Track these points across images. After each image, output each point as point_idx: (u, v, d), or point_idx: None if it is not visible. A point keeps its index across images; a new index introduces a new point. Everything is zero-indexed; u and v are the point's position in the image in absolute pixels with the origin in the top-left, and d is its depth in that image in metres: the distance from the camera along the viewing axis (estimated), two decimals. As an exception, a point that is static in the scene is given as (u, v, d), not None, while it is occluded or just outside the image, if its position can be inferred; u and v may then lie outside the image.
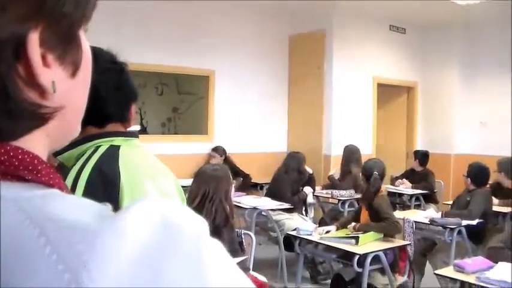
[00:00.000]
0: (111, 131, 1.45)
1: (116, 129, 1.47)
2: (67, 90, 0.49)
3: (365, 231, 4.48)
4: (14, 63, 0.43)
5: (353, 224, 4.67)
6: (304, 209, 6.57)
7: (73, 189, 1.26)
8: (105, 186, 1.32)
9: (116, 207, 1.15)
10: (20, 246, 0.38)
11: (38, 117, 0.46)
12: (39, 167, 0.45)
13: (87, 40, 0.56)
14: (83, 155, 1.39)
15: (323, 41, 8.34)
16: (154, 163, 1.48)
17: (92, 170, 1.32)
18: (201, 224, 0.44)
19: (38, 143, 0.48)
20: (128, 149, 1.42)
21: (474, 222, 5.17)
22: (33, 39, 0.43)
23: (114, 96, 1.47)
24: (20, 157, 0.44)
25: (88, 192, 1.28)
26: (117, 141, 1.43)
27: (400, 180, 7.43)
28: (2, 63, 0.42)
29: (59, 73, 0.47)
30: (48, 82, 0.45)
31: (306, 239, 4.71)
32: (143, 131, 10.56)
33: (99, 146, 1.40)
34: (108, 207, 0.46)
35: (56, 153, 1.36)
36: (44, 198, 0.42)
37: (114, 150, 1.40)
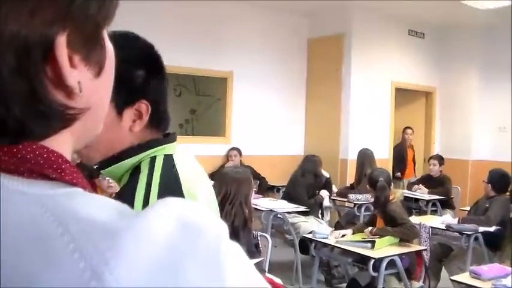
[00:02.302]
0: (159, 138, 1.29)
1: (157, 134, 1.32)
2: (92, 90, 0.50)
3: (381, 236, 4.48)
4: (43, 65, 0.44)
5: (369, 228, 4.66)
6: (320, 212, 6.57)
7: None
8: None
9: None
10: (42, 240, 0.39)
11: (65, 118, 0.48)
12: (63, 166, 0.46)
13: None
14: (137, 168, 1.25)
15: (342, 44, 8.32)
16: (197, 168, 1.39)
17: (159, 188, 1.18)
18: (221, 227, 0.45)
19: (63, 143, 0.49)
20: (179, 158, 1.30)
21: (492, 229, 5.13)
22: (61, 42, 0.44)
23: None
24: (45, 156, 0.45)
25: None
26: (168, 149, 1.28)
27: (416, 186, 7.39)
28: (32, 65, 0.43)
29: (84, 74, 0.48)
30: (75, 83, 0.46)
31: (322, 242, 4.71)
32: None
33: (154, 156, 1.25)
34: (128, 207, 0.47)
35: (100, 167, 1.27)
36: (67, 196, 0.44)
37: (170, 161, 1.26)
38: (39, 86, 0.44)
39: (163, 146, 1.27)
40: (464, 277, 3.69)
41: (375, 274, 4.21)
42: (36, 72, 0.43)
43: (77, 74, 0.46)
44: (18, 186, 0.43)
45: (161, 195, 1.16)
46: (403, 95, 9.13)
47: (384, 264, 4.20)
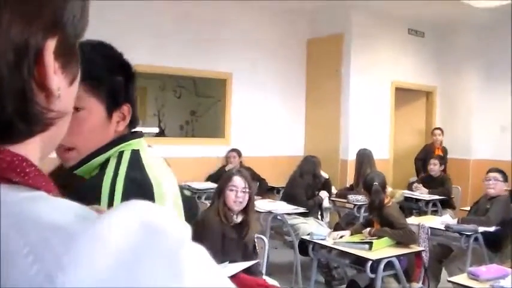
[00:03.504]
0: (126, 134, 1.40)
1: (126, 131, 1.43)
2: (66, 97, 0.53)
3: (380, 237, 4.45)
4: (33, 68, 0.47)
5: (368, 229, 4.64)
6: (320, 213, 6.55)
7: (110, 202, 1.21)
8: (142, 196, 1.28)
9: None
10: (2, 247, 0.39)
11: (45, 122, 0.50)
12: (27, 170, 0.46)
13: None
14: (106, 163, 1.32)
15: (341, 44, 8.31)
16: (163, 164, 1.45)
17: (125, 180, 1.26)
18: (183, 230, 0.45)
19: (32, 148, 0.50)
20: (145, 153, 1.38)
21: (492, 229, 5.09)
22: (50, 47, 0.48)
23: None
24: (8, 159, 0.45)
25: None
26: (134, 144, 1.38)
27: (415, 184, 7.36)
28: (26, 66, 0.46)
29: (61, 81, 0.51)
30: (56, 88, 0.49)
31: (320, 243, 4.68)
32: (161, 133, 10.63)
33: (122, 151, 1.34)
34: (92, 209, 0.47)
35: (72, 168, 1.33)
36: (28, 200, 0.44)
37: (137, 156, 1.35)
38: (29, 87, 0.47)
39: (130, 141, 1.37)
40: (461, 278, 3.65)
41: (372, 276, 4.17)
42: (28, 73, 0.46)
43: (57, 80, 0.49)
44: None
45: (127, 186, 1.24)
46: (404, 95, 9.09)
47: (382, 265, 4.16)
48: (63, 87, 0.51)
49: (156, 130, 10.68)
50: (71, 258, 0.39)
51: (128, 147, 1.36)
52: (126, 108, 1.38)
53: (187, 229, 0.46)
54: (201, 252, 0.46)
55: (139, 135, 1.42)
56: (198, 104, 10.59)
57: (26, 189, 0.46)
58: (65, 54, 0.51)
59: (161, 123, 10.94)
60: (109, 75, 1.34)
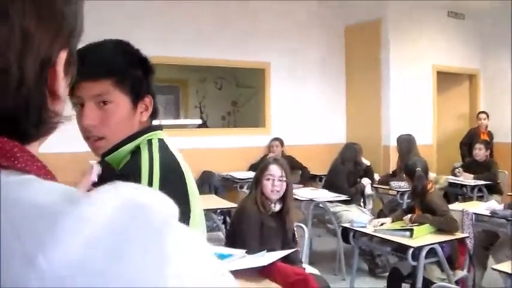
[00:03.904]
0: (152, 126, 1.53)
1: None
2: (63, 100, 0.57)
3: (421, 224, 4.37)
4: (47, 75, 0.52)
5: (409, 215, 4.56)
6: (362, 200, 6.49)
7: (150, 184, 1.31)
8: (176, 178, 1.40)
9: (187, 197, 1.32)
10: None
11: (51, 126, 0.54)
12: (18, 155, 0.48)
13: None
14: (136, 150, 1.43)
15: (379, 30, 8.19)
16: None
17: (160, 163, 1.36)
18: (168, 207, 0.46)
19: (35, 147, 0.54)
20: (168, 142, 1.50)
21: (541, 213, 4.94)
22: (62, 58, 0.53)
23: None
24: (7, 147, 0.48)
25: (165, 187, 1.32)
26: (159, 134, 1.50)
27: (458, 169, 7.19)
28: (44, 77, 0.51)
29: (64, 85, 0.56)
30: (63, 93, 0.55)
31: (361, 231, 4.64)
32: (203, 124, 10.72)
33: (150, 139, 1.46)
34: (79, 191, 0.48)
35: (104, 155, 1.44)
36: (16, 183, 0.45)
37: (164, 144, 1.47)
38: (45, 94, 0.52)
39: (155, 131, 1.49)
40: (505, 266, 3.55)
41: (414, 263, 4.10)
42: (45, 82, 0.52)
43: (63, 85, 0.55)
44: None
45: (163, 169, 1.36)
46: (446, 79, 8.89)
47: (424, 253, 4.07)
48: (64, 92, 0.56)
49: (199, 122, 10.79)
50: (51, 237, 0.40)
51: (154, 136, 1.47)
52: (148, 100, 1.49)
53: (174, 207, 0.47)
54: (188, 232, 0.47)
55: (161, 127, 1.54)
56: (239, 94, 10.62)
57: (15, 173, 0.47)
58: (70, 62, 0.56)
59: (203, 114, 11.03)
60: (131, 70, 1.44)
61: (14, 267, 0.39)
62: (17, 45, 0.48)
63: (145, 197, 0.45)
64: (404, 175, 5.05)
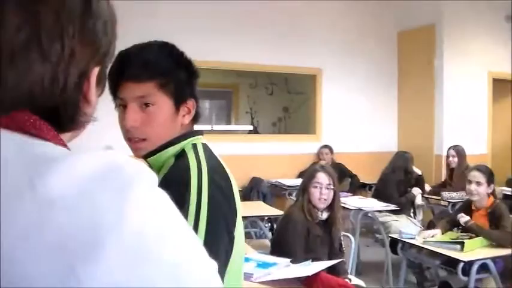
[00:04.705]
0: (195, 130, 1.52)
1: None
2: (94, 106, 0.71)
3: (472, 237, 4.22)
4: (83, 84, 0.67)
5: (467, 218, 4.40)
6: (412, 211, 6.36)
7: (199, 186, 1.31)
8: (223, 181, 1.39)
9: (233, 199, 1.38)
10: (5, 163, 0.54)
11: (80, 124, 0.69)
12: (44, 129, 0.62)
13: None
14: (180, 153, 1.43)
15: (433, 35, 8.02)
16: None
17: (208, 167, 1.36)
18: (142, 169, 0.57)
19: (66, 137, 0.68)
20: (211, 147, 1.50)
21: None
22: (95, 72, 0.68)
23: None
24: (37, 123, 0.61)
25: (213, 190, 1.32)
26: (202, 139, 1.50)
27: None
28: (80, 84, 0.66)
29: (95, 94, 0.70)
30: (94, 100, 0.70)
31: (409, 242, 4.53)
32: (254, 130, 10.75)
33: (194, 143, 1.46)
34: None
35: (146, 156, 1.46)
36: (36, 143, 0.60)
37: (209, 148, 1.47)
38: (80, 98, 0.67)
39: (198, 136, 1.50)
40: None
41: (464, 278, 3.97)
42: (81, 87, 0.66)
43: (94, 94, 0.69)
44: (12, 135, 0.59)
45: (211, 173, 1.35)
46: (502, 86, 8.59)
47: (475, 267, 3.94)
48: (95, 100, 0.70)
49: (250, 128, 10.82)
50: (46, 175, 0.53)
51: (198, 141, 1.47)
52: (191, 103, 1.48)
53: (150, 173, 0.58)
54: (159, 193, 0.58)
55: (201, 132, 1.53)
56: (291, 100, 10.59)
57: (38, 139, 0.61)
58: (101, 76, 0.71)
59: (254, 120, 11.05)
60: (175, 73, 1.44)
61: (16, 188, 0.52)
62: (65, 60, 0.63)
63: (126, 160, 0.57)
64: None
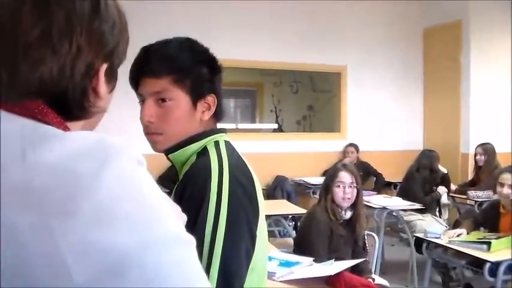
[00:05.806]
0: (218, 128, 1.52)
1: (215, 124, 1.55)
2: (106, 100, 0.79)
3: (500, 237, 4.15)
4: (92, 78, 0.75)
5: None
6: (437, 210, 6.29)
7: (220, 184, 1.31)
8: (245, 179, 1.39)
9: (256, 198, 1.39)
10: (5, 137, 0.63)
11: (89, 113, 0.77)
12: (50, 116, 0.70)
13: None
14: (202, 151, 1.44)
15: (459, 32, 7.92)
16: None
17: (229, 165, 1.36)
18: (127, 147, 0.64)
19: (76, 125, 0.77)
20: (234, 145, 1.50)
21: None
22: (103, 68, 0.76)
23: None
24: (45, 110, 0.70)
25: (234, 188, 1.33)
26: (224, 136, 1.50)
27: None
28: (88, 77, 0.74)
29: (105, 89, 0.78)
30: (103, 92, 0.77)
31: (434, 242, 4.48)
32: (278, 129, 10.72)
33: (217, 141, 1.45)
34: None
35: (168, 152, 1.46)
36: (41, 126, 0.67)
37: (231, 146, 1.47)
38: (88, 89, 0.75)
39: (221, 134, 1.49)
40: None
41: (491, 279, 3.90)
42: (89, 81, 0.75)
43: (103, 88, 0.77)
44: (19, 118, 0.67)
45: (232, 171, 1.35)
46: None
47: (502, 268, 3.85)
48: (105, 93, 0.78)
49: (275, 126, 10.80)
50: (42, 144, 0.61)
51: (220, 138, 1.47)
52: (210, 99, 1.46)
53: (136, 153, 0.65)
54: (141, 172, 0.64)
55: (224, 130, 1.52)
56: (316, 98, 10.53)
57: (43, 123, 0.68)
58: (110, 73, 0.79)
59: (278, 118, 11.02)
60: (194, 68, 1.43)
61: (11, 157, 0.60)
62: (72, 54, 0.71)
63: (115, 139, 0.64)
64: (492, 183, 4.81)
